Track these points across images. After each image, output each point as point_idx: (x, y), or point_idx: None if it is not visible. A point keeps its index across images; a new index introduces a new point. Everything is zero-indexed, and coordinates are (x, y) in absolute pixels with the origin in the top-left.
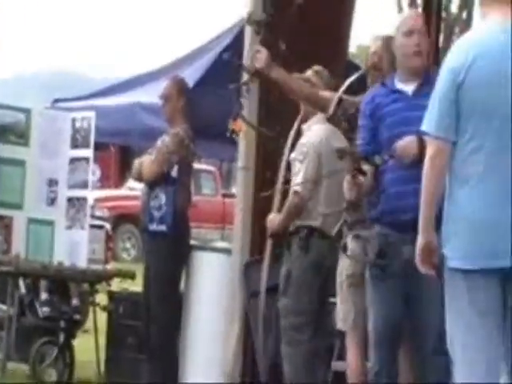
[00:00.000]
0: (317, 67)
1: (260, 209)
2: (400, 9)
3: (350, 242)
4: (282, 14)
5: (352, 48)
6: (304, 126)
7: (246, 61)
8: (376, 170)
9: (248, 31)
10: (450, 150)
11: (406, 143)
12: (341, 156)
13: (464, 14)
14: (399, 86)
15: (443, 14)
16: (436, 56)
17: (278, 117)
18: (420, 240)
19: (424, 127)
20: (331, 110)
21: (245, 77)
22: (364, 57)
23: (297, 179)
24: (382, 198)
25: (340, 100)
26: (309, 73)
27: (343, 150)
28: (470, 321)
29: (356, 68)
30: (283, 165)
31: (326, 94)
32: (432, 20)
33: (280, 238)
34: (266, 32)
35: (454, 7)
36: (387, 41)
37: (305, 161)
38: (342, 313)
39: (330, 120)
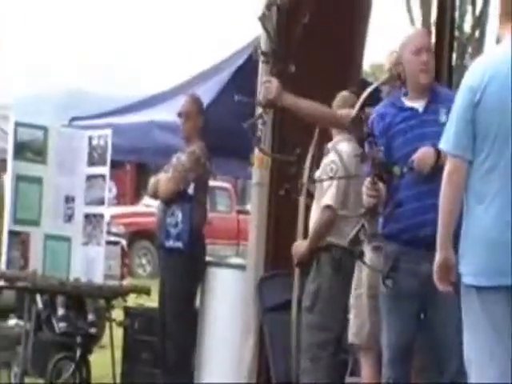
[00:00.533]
0: (344, 93)
1: (274, 225)
2: (413, 28)
3: (369, 253)
4: (288, 37)
5: (365, 66)
6: (329, 145)
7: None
8: (389, 184)
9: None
10: (466, 168)
11: (423, 154)
12: (362, 159)
13: (477, 33)
14: (408, 103)
15: (456, 33)
16: (449, 74)
17: (295, 141)
18: (438, 257)
19: (442, 145)
20: (355, 112)
21: (258, 110)
22: (378, 74)
23: (327, 195)
24: (398, 215)
25: (363, 105)
26: (337, 99)
27: (365, 154)
28: (485, 336)
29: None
30: (305, 186)
31: (342, 111)
32: (445, 39)
33: (307, 261)
34: (276, 60)
35: (467, 26)
36: None
37: (334, 176)
38: (356, 327)
39: (353, 122)
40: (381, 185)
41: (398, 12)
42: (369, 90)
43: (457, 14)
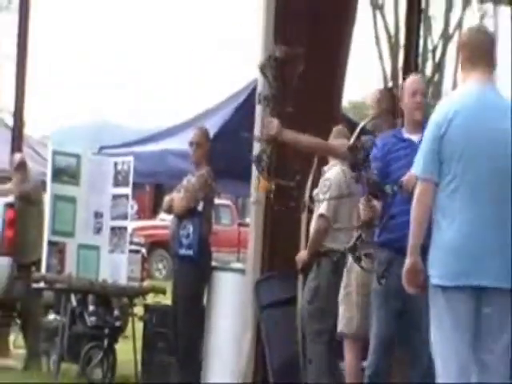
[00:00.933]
0: (339, 127)
1: (269, 235)
2: (384, 72)
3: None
4: (285, 84)
5: (344, 103)
6: (325, 168)
7: (257, 129)
8: (383, 201)
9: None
10: (434, 189)
11: (410, 177)
12: (357, 180)
13: (436, 77)
14: (407, 135)
15: None
16: None
17: (296, 169)
18: (407, 262)
19: (413, 170)
20: (351, 141)
21: (257, 145)
22: (358, 110)
23: (321, 206)
24: (391, 227)
25: (359, 135)
26: (333, 131)
27: (360, 175)
28: (450, 330)
29: (348, 120)
30: (307, 201)
31: (336, 142)
32: None
33: (308, 266)
34: (275, 103)
35: (428, 71)
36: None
37: (328, 191)
38: (346, 319)
39: (350, 149)
40: (375, 202)
41: (370, 57)
42: (362, 124)
43: (420, 60)
